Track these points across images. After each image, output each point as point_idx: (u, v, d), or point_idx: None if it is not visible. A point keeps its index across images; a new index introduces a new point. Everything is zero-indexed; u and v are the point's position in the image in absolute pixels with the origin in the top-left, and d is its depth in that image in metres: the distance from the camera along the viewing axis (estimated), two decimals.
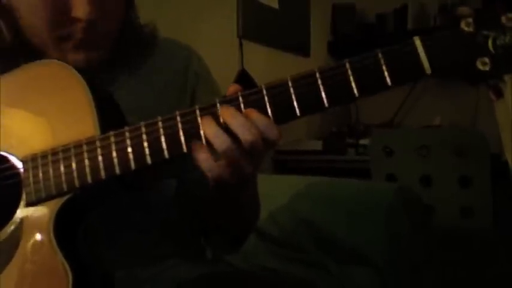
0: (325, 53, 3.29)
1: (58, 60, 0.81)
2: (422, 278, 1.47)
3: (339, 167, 2.63)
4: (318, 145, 2.78)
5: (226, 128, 0.66)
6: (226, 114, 0.66)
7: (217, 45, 2.43)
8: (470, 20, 0.62)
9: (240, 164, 0.67)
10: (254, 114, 0.66)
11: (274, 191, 1.65)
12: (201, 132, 0.67)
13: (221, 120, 0.67)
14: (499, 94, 0.63)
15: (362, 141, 2.70)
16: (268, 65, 2.75)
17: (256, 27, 2.71)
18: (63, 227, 0.70)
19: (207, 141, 0.67)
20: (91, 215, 0.74)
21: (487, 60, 0.62)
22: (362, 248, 1.42)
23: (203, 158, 0.67)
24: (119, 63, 0.90)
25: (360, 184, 1.67)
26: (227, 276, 0.91)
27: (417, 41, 0.63)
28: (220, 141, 0.66)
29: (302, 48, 3.08)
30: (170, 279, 0.87)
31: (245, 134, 0.65)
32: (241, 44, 2.61)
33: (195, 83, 0.96)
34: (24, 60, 0.81)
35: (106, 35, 0.85)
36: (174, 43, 0.99)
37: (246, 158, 0.67)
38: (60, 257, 0.68)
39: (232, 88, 0.69)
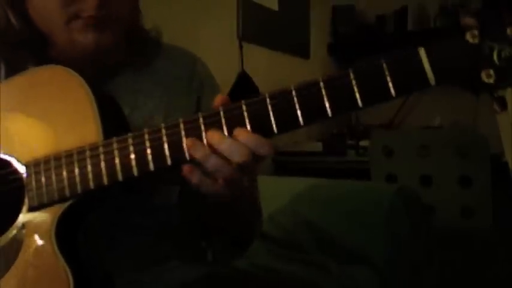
0: (325, 55, 3.29)
1: (67, 43, 0.81)
2: (422, 278, 1.47)
3: (339, 168, 2.62)
4: (318, 146, 2.78)
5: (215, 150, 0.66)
6: (214, 139, 0.66)
7: (217, 47, 2.43)
8: (475, 31, 0.61)
9: (233, 180, 0.67)
10: (242, 134, 0.66)
11: (275, 192, 1.65)
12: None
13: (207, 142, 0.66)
14: (504, 106, 0.63)
15: (362, 143, 2.69)
16: (268, 66, 2.75)
17: (256, 29, 2.71)
18: (65, 232, 0.71)
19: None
20: (92, 217, 0.74)
21: (491, 72, 0.61)
22: (362, 248, 1.42)
23: (192, 175, 0.67)
24: (123, 68, 0.91)
25: (360, 185, 1.68)
26: (227, 276, 0.91)
27: (422, 52, 0.62)
28: (211, 163, 0.66)
29: (302, 50, 3.08)
30: (171, 280, 0.88)
31: (235, 157, 0.65)
32: (241, 46, 2.61)
33: (200, 91, 0.96)
34: (31, 49, 0.81)
35: (116, 19, 0.84)
36: (178, 50, 0.99)
37: (238, 174, 0.67)
38: (61, 261, 0.69)
39: (219, 100, 0.68)
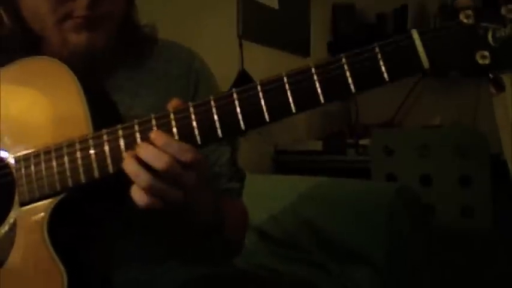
0: (325, 53, 3.29)
1: (59, 42, 0.81)
2: (422, 278, 1.46)
3: (339, 167, 2.62)
4: (318, 145, 2.77)
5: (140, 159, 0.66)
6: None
7: (217, 45, 2.42)
8: (469, 12, 0.60)
9: (163, 193, 0.67)
10: (161, 139, 0.66)
11: (275, 191, 1.65)
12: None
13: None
14: (499, 88, 0.61)
15: (362, 142, 2.70)
16: (268, 65, 2.74)
17: (256, 27, 2.70)
18: (58, 227, 0.70)
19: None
20: (90, 215, 0.74)
21: (486, 53, 0.60)
22: (362, 248, 1.42)
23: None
24: (117, 64, 0.90)
25: (360, 184, 1.67)
26: (227, 276, 0.91)
27: (415, 34, 0.61)
28: (141, 178, 0.66)
29: (302, 48, 3.08)
30: (170, 280, 0.87)
31: (156, 162, 0.65)
32: (241, 44, 2.61)
33: (196, 88, 0.95)
34: (23, 48, 0.81)
35: (108, 17, 0.84)
36: (176, 46, 0.98)
37: (166, 186, 0.66)
38: (54, 257, 0.68)
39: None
